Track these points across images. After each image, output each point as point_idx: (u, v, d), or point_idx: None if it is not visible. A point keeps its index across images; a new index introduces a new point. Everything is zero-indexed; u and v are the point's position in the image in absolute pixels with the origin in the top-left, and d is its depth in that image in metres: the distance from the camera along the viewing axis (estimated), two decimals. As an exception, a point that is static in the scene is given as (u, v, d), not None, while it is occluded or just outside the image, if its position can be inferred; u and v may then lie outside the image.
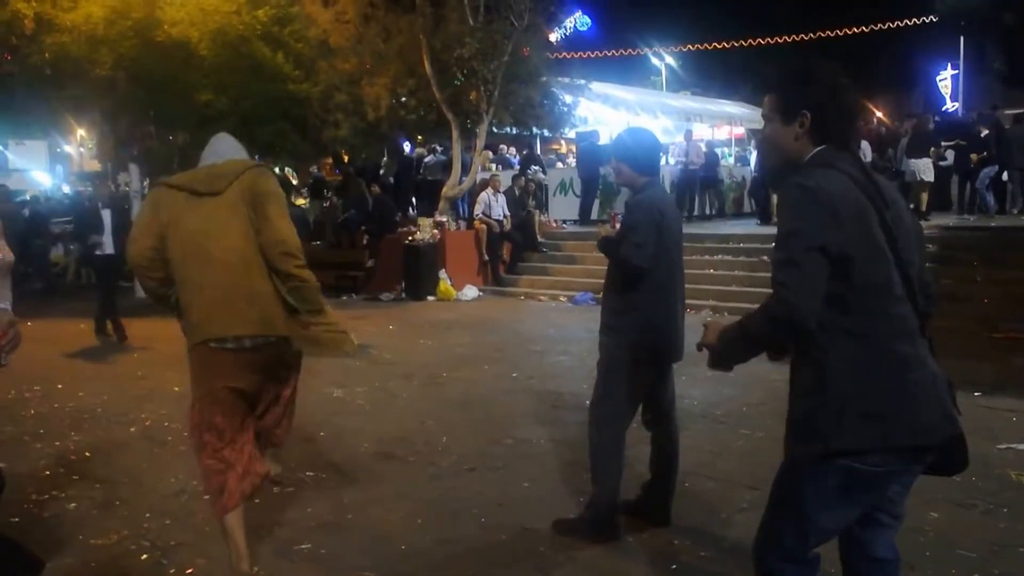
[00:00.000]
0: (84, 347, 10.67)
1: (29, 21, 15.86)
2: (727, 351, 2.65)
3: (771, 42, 33.66)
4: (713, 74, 39.85)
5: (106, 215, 11.00)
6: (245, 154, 4.24)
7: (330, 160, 23.72)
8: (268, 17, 16.72)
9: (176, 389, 8.11)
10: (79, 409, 7.46)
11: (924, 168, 15.48)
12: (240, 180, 3.92)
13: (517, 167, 19.87)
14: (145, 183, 16.69)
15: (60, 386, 8.39)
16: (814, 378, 2.45)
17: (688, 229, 14.78)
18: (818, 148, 2.50)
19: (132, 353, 10.20)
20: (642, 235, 4.06)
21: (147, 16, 15.64)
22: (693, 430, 6.20)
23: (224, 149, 4.18)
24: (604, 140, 18.41)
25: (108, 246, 10.87)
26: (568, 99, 19.61)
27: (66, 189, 24.36)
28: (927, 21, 32.70)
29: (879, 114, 33.79)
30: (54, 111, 16.94)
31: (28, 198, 22.89)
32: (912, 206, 16.35)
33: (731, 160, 24.31)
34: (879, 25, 33.76)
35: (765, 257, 13.06)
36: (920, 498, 4.29)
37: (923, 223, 15.32)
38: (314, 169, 24.12)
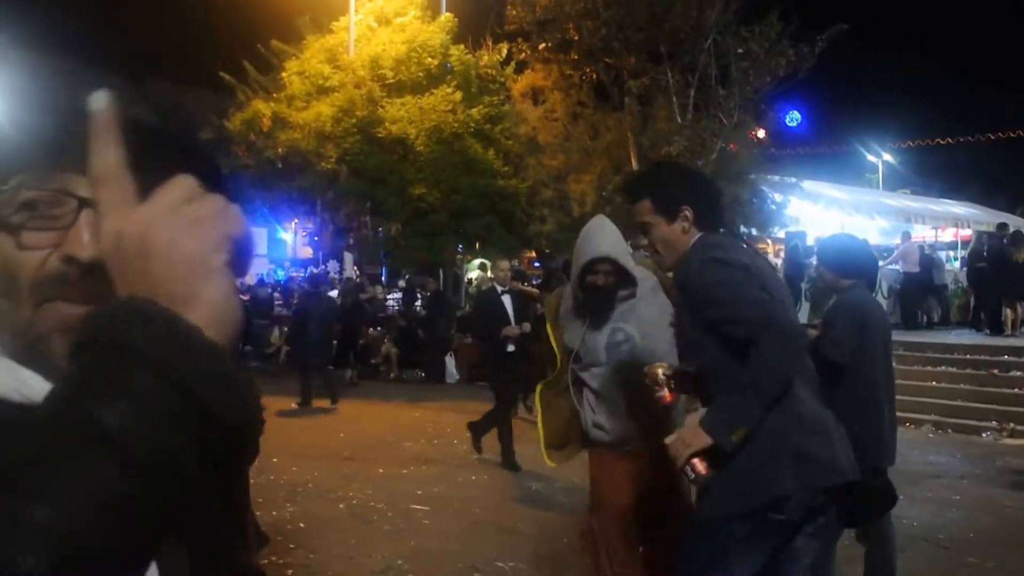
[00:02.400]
0: (294, 424, 11.08)
1: (267, 119, 17.34)
2: (731, 417, 2.51)
3: (1003, 136, 31.43)
4: (936, 171, 37.74)
5: (507, 302, 9.15)
6: None
7: (531, 254, 24.08)
8: (481, 115, 17.45)
9: (380, 471, 8.30)
10: (292, 483, 7.77)
11: None
12: None
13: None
14: (355, 270, 17.51)
15: (275, 460, 8.73)
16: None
17: (908, 337, 13.91)
18: (701, 233, 2.73)
19: (339, 433, 10.48)
20: (840, 332, 4.12)
21: (370, 114, 16.71)
22: (912, 553, 5.69)
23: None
24: (811, 240, 17.65)
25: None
26: (778, 198, 19.05)
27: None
28: None
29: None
30: (277, 200, 18.21)
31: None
32: None
33: (956, 264, 22.67)
34: None
35: (995, 371, 11.92)
36: None
37: None
38: (514, 263, 24.66)
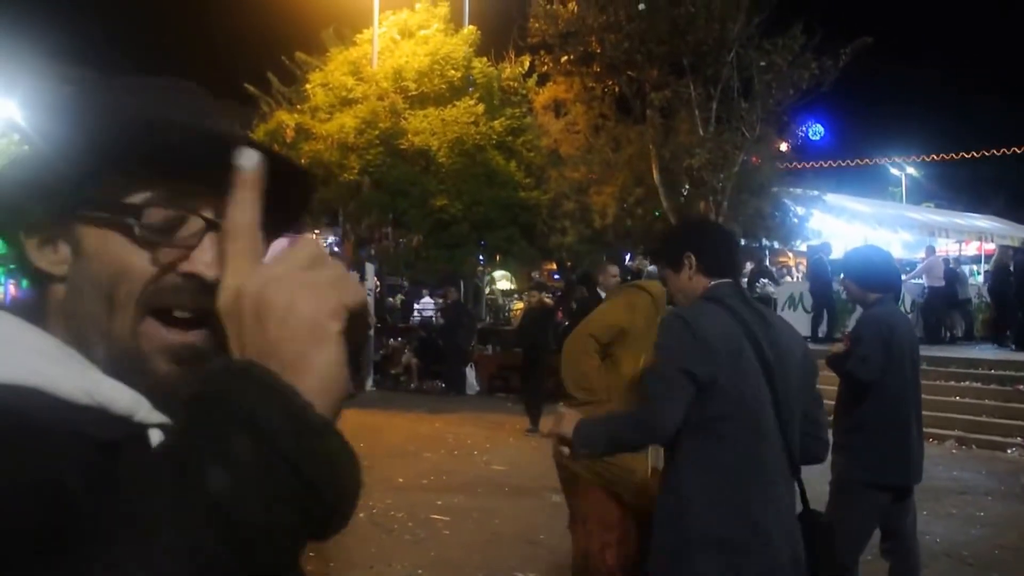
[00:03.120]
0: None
1: (290, 130, 17.48)
2: (586, 439, 2.67)
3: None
4: (960, 185, 37.43)
5: None
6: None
7: (552, 265, 24.09)
8: (503, 127, 17.52)
9: (400, 480, 8.31)
10: (313, 492, 7.78)
11: None
12: None
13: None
14: (376, 282, 17.58)
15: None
16: (675, 505, 2.54)
17: (931, 352, 13.73)
18: (713, 282, 2.73)
19: (359, 443, 10.45)
20: (867, 348, 3.99)
21: (393, 126, 16.80)
22: (935, 569, 5.64)
23: None
24: (836, 254, 17.48)
25: None
26: (800, 211, 18.98)
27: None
28: None
29: None
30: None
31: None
32: None
33: (980, 278, 22.45)
34: None
35: (1021, 386, 11.78)
36: None
37: None
38: (535, 274, 24.71)
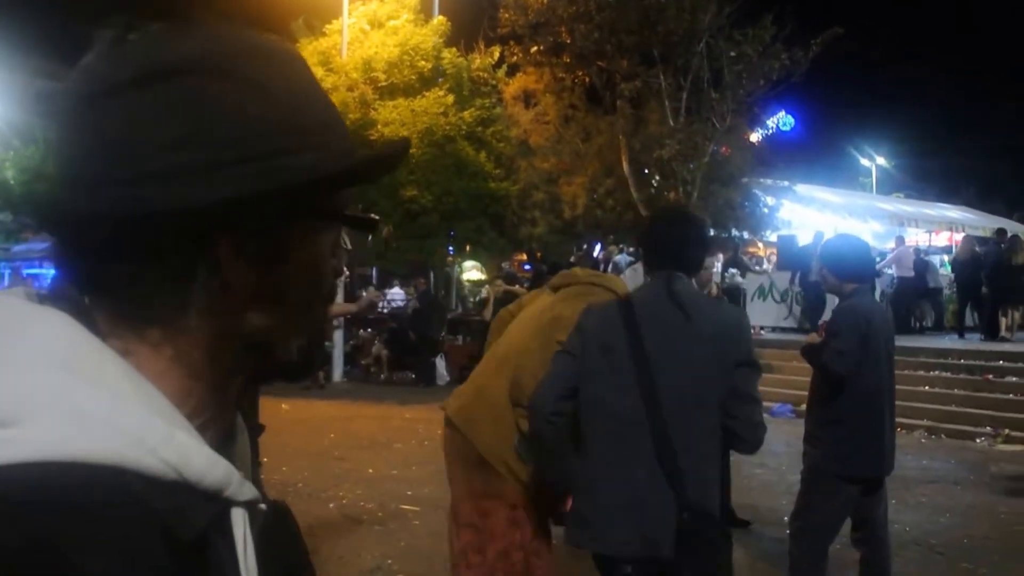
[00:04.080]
0: (285, 425, 11.01)
1: (260, 123, 17.35)
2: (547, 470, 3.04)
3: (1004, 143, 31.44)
4: (930, 175, 37.78)
5: None
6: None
7: (522, 256, 24.11)
8: (473, 118, 17.48)
9: (370, 471, 8.29)
10: (283, 483, 7.67)
11: None
12: None
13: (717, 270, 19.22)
14: (347, 272, 17.47)
15: (265, 459, 8.66)
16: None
17: (901, 341, 13.72)
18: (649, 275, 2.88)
19: (329, 434, 10.45)
20: (845, 342, 3.92)
21: (363, 116, 16.72)
22: (904, 558, 5.67)
23: None
24: (804, 242, 17.42)
25: None
26: (770, 201, 19.05)
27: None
28: None
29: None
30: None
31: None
32: None
33: (950, 268, 22.66)
34: None
35: (990, 376, 11.89)
36: None
37: None
38: (505, 265, 24.73)
